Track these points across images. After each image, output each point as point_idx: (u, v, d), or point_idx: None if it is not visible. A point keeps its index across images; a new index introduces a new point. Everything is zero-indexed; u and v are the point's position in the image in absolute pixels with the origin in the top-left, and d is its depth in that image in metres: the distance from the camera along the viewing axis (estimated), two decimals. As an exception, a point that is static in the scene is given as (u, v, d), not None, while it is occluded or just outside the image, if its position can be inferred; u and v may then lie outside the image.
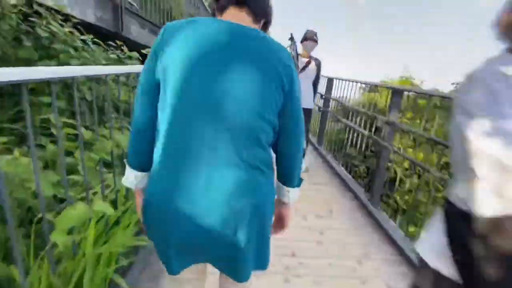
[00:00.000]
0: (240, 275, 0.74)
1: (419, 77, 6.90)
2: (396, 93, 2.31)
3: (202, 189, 0.63)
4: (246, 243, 0.68)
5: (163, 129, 0.65)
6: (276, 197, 0.80)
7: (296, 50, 2.62)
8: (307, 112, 2.82)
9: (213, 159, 0.63)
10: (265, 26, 0.76)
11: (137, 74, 1.61)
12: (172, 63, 0.62)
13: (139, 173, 0.75)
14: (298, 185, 0.81)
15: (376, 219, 2.17)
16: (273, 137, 0.71)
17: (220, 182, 0.63)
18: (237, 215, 0.65)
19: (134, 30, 3.52)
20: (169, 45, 0.63)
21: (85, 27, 2.33)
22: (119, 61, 2.41)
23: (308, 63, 2.83)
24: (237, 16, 0.68)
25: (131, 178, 0.75)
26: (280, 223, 0.87)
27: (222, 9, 0.69)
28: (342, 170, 3.21)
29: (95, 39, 2.26)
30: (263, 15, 0.72)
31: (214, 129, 0.62)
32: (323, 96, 4.11)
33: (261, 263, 0.77)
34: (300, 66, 2.79)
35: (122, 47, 2.59)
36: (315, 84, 2.94)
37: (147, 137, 0.71)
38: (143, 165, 0.74)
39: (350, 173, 3.21)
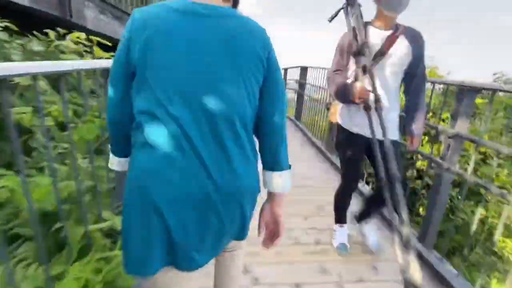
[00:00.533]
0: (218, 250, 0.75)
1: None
2: (468, 91, 1.53)
3: (193, 170, 0.62)
4: (232, 224, 0.69)
5: (144, 115, 0.63)
6: (263, 198, 0.80)
7: (360, 16, 1.30)
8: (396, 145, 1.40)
9: (200, 141, 0.62)
10: (235, 2, 0.74)
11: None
12: (148, 51, 0.61)
13: (123, 159, 0.79)
14: (288, 167, 0.77)
15: (439, 273, 1.52)
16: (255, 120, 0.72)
17: (209, 164, 0.62)
18: (228, 197, 0.65)
19: (90, 16, 2.67)
20: (142, 33, 0.62)
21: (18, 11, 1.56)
22: (49, 54, 1.64)
23: (393, 40, 1.31)
24: None
25: (116, 163, 0.80)
26: (274, 229, 0.80)
27: None
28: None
29: (8, 24, 1.47)
30: None
31: (199, 115, 0.62)
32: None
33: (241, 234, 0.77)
34: (374, 46, 1.32)
35: (71, 37, 1.79)
36: (411, 87, 1.42)
37: (124, 126, 0.71)
38: (126, 152, 0.76)
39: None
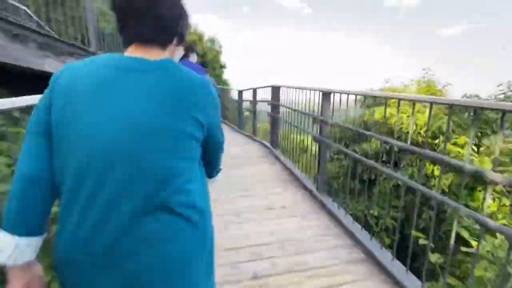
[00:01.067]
0: None
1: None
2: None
3: (116, 238, 0.57)
4: None
5: (64, 176, 0.58)
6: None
7: None
8: None
9: (124, 205, 0.57)
10: (181, 39, 0.73)
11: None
12: (67, 113, 0.58)
13: (24, 240, 0.57)
14: (218, 172, 0.88)
15: None
16: (196, 170, 0.67)
17: (132, 230, 0.57)
18: (151, 267, 0.59)
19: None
20: (64, 93, 0.59)
21: None
22: None
23: None
24: (140, 49, 0.64)
25: (8, 248, 0.56)
26: None
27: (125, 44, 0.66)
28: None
29: None
30: (173, 36, 0.70)
31: (123, 175, 0.57)
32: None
33: None
34: None
35: None
36: None
37: (41, 187, 0.59)
38: (32, 227, 0.59)
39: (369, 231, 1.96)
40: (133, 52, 0.64)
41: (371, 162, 1.92)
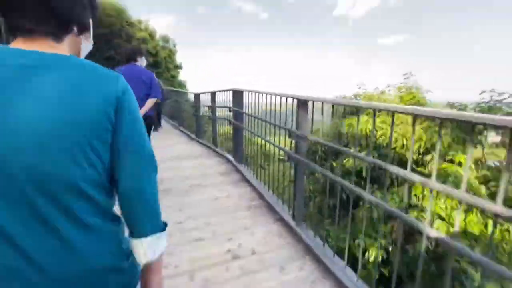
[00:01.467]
0: None
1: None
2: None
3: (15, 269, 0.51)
4: None
5: None
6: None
7: None
8: None
9: (19, 228, 0.50)
10: (82, 29, 0.61)
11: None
12: None
13: None
14: (159, 229, 0.63)
15: None
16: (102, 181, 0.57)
17: (36, 256, 0.51)
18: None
19: None
20: None
21: None
22: None
23: None
24: (28, 42, 0.54)
25: None
26: None
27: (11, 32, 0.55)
28: None
29: None
30: (67, 25, 0.58)
31: (14, 197, 0.49)
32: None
33: None
34: None
35: None
36: None
37: None
38: None
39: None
40: (18, 44, 0.54)
41: (347, 184, 1.42)
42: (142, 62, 2.78)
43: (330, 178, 1.76)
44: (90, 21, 0.63)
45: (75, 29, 0.58)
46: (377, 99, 4.14)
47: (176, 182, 3.25)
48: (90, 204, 0.54)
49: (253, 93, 3.13)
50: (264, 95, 2.82)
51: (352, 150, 1.64)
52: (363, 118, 3.77)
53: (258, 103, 3.02)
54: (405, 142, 3.22)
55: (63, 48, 0.57)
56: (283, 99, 2.43)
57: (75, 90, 0.51)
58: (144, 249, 0.60)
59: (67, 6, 0.54)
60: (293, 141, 2.30)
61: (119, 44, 15.74)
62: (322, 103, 1.98)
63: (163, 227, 0.63)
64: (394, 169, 1.30)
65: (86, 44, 0.66)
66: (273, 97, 2.61)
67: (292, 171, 2.34)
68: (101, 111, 0.52)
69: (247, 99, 3.50)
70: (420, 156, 3.22)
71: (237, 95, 3.66)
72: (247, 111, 3.42)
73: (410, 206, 2.97)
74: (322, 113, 2.11)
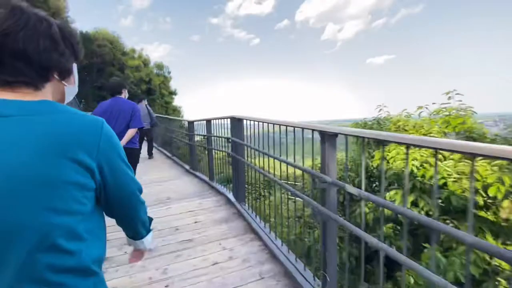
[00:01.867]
0: None
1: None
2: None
3: None
4: None
5: None
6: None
7: None
8: None
9: None
10: (64, 75, 0.62)
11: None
12: None
13: None
14: (148, 232, 0.81)
15: None
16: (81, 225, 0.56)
17: None
18: None
19: None
20: None
21: None
22: None
23: None
24: (6, 92, 0.54)
25: None
26: (137, 257, 0.88)
27: None
28: None
29: None
30: (46, 74, 0.58)
31: None
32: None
33: None
34: None
35: None
36: None
37: None
38: None
39: None
40: None
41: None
42: (124, 94, 2.96)
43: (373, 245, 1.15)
44: (74, 65, 0.64)
45: (55, 76, 0.59)
46: (412, 126, 3.53)
47: (163, 237, 2.57)
48: (76, 261, 0.55)
49: (257, 122, 2.57)
50: (271, 125, 2.25)
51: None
52: (400, 151, 3.17)
53: (263, 133, 2.46)
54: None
55: (44, 95, 0.58)
56: (299, 130, 1.87)
57: (50, 139, 0.51)
58: (147, 242, 0.82)
59: (45, 57, 0.55)
60: (316, 189, 1.70)
61: (112, 73, 15.52)
62: (346, 136, 1.42)
63: (150, 229, 0.82)
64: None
65: (71, 88, 0.67)
66: (283, 127, 2.05)
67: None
68: (73, 151, 0.52)
69: (247, 129, 2.95)
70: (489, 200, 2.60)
71: (236, 124, 3.11)
72: (249, 143, 2.85)
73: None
74: (346, 148, 1.55)
